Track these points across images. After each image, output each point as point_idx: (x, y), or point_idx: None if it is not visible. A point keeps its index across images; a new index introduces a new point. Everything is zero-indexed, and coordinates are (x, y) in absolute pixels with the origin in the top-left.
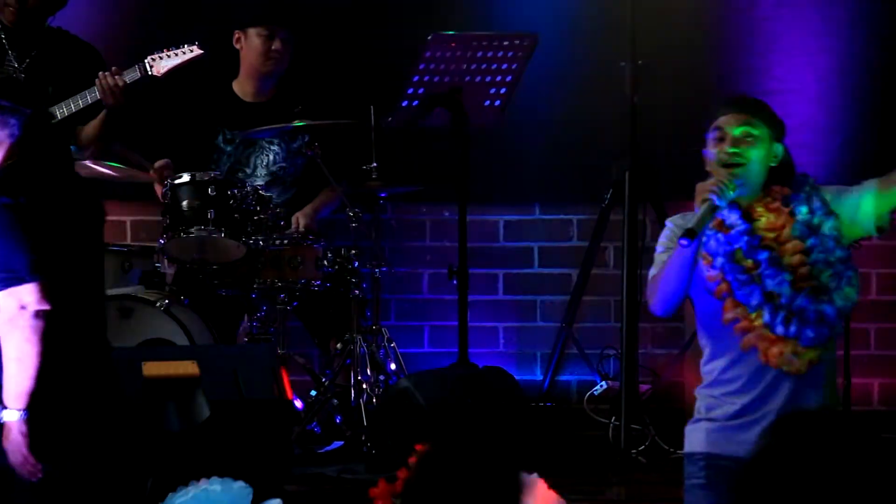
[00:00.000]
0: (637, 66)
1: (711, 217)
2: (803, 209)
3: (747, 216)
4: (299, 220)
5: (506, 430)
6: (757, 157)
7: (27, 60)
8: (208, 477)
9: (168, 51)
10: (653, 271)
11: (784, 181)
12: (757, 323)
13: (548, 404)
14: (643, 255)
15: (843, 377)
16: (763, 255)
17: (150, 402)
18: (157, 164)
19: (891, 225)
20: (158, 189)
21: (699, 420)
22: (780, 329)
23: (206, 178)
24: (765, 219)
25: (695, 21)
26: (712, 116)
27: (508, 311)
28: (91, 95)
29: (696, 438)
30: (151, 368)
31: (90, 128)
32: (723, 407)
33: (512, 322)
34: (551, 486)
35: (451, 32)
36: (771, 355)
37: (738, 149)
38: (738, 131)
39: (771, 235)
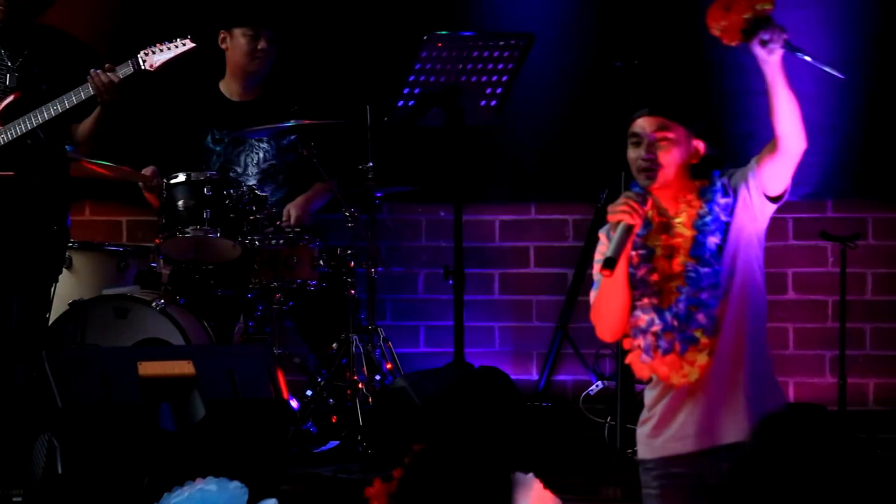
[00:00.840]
0: (632, 66)
1: (628, 239)
2: (713, 199)
3: (662, 215)
4: (290, 211)
5: (501, 429)
6: (673, 161)
7: (20, 59)
8: (204, 476)
9: (160, 45)
10: (593, 294)
11: (704, 173)
12: (632, 339)
13: (544, 404)
14: None
15: (838, 377)
16: (641, 280)
17: (147, 402)
18: (144, 171)
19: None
20: (149, 197)
21: (644, 422)
22: (660, 349)
23: (202, 178)
24: (685, 215)
25: (689, 21)
26: (629, 118)
27: (504, 311)
28: (84, 92)
29: (643, 444)
30: (147, 368)
31: (85, 125)
32: (655, 407)
33: (508, 322)
34: (547, 485)
35: (447, 32)
36: (662, 376)
37: (653, 154)
38: (652, 136)
39: (685, 232)
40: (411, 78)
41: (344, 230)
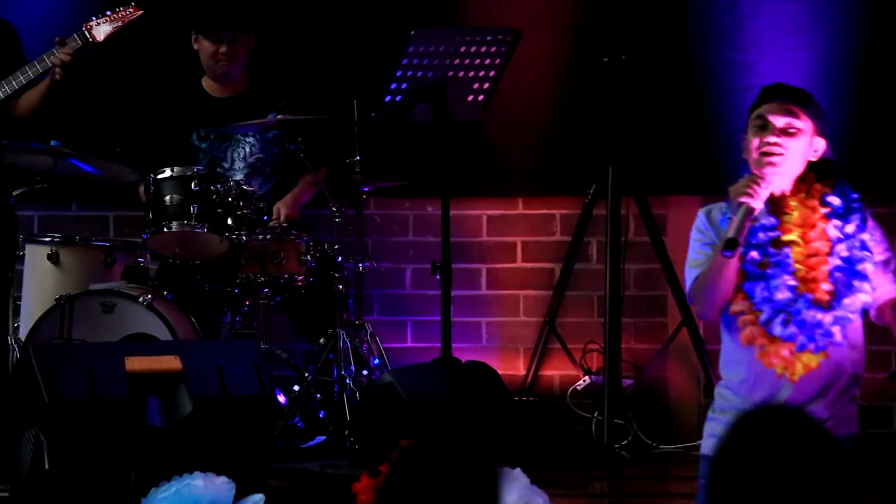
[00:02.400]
0: (620, 62)
1: (747, 220)
2: (840, 211)
3: (777, 208)
4: (280, 209)
5: (488, 425)
6: (797, 149)
7: None
8: (191, 472)
9: (104, 15)
10: (693, 272)
11: (822, 176)
12: (756, 319)
13: (531, 399)
14: (626, 250)
15: None
16: (774, 254)
17: (134, 398)
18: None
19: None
20: (142, 191)
21: (712, 419)
22: (776, 330)
23: (189, 173)
24: (797, 213)
25: (678, 16)
26: (756, 103)
27: (491, 306)
28: (33, 71)
29: (707, 439)
30: (134, 364)
31: (29, 100)
32: (728, 402)
33: (495, 317)
34: (534, 480)
35: (434, 27)
36: (766, 354)
37: (779, 139)
38: (781, 121)
39: (797, 231)
40: (398, 73)
41: (331, 225)
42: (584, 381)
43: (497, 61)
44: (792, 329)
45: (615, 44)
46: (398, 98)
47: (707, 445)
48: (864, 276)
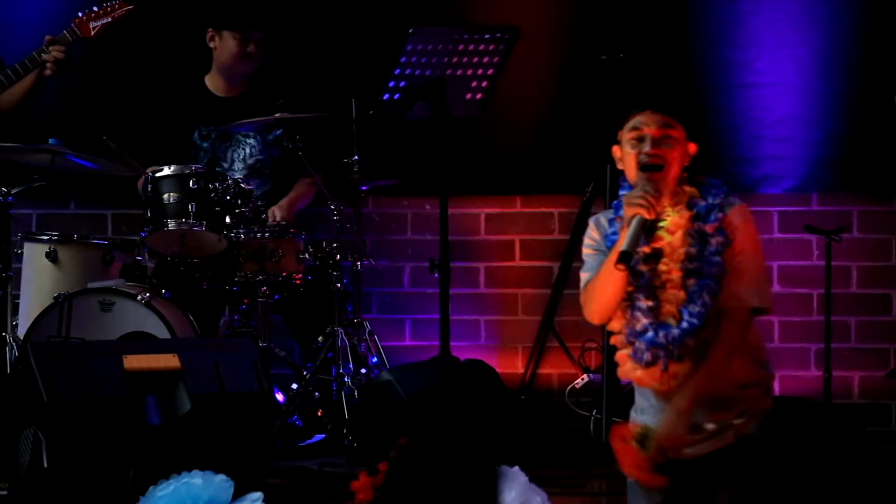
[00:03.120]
0: (618, 59)
1: (642, 233)
2: (702, 212)
3: (658, 215)
4: (275, 213)
5: (487, 423)
6: (674, 160)
7: None
8: (189, 470)
9: (93, 11)
10: (586, 276)
11: (693, 179)
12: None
13: (529, 397)
14: None
15: (824, 370)
16: (639, 275)
17: (132, 396)
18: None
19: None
20: (140, 184)
21: (633, 418)
22: (644, 359)
23: (188, 172)
24: (669, 219)
25: (676, 14)
26: (626, 114)
27: (490, 305)
28: (15, 73)
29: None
30: (133, 362)
31: (11, 95)
32: (641, 409)
33: (493, 315)
34: (532, 478)
35: (432, 26)
36: (641, 381)
37: (658, 151)
38: (657, 133)
39: (668, 238)
40: (397, 71)
41: (329, 223)
42: (583, 379)
43: (495, 59)
44: (653, 354)
45: (613, 42)
46: (396, 96)
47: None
48: (711, 282)
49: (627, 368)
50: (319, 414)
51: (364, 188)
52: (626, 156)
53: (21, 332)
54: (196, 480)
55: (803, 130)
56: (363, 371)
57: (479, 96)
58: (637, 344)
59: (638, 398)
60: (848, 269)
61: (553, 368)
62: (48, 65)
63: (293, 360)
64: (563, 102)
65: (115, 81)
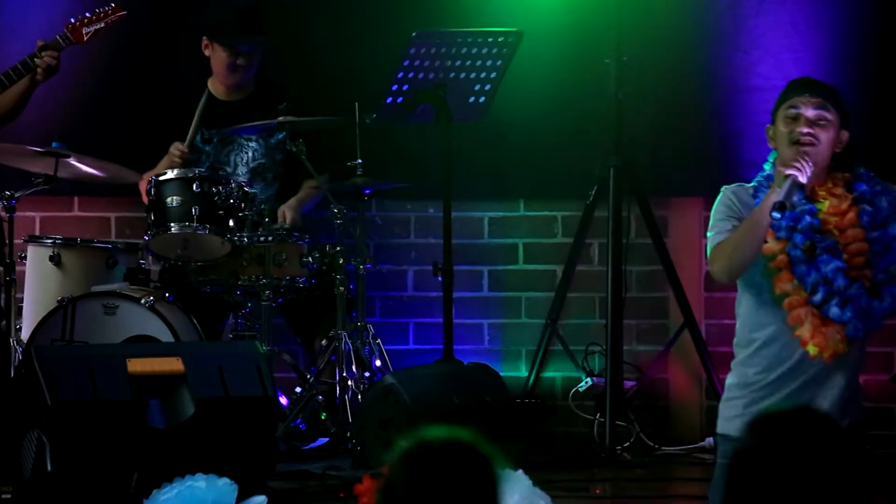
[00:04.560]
0: (621, 63)
1: (796, 191)
2: (868, 199)
3: (810, 198)
4: (286, 213)
5: (490, 426)
6: (827, 141)
7: None
8: (193, 473)
9: (86, 17)
10: (716, 238)
11: (846, 168)
12: (807, 300)
13: (532, 401)
14: (628, 252)
15: None
16: (822, 240)
17: (136, 399)
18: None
19: None
20: (142, 186)
21: (732, 399)
22: (834, 311)
23: (191, 175)
24: (827, 203)
25: (679, 18)
26: (785, 95)
27: (493, 308)
28: (15, 73)
29: (729, 419)
30: (136, 365)
31: (5, 99)
32: (755, 382)
33: (497, 319)
34: (536, 482)
35: (435, 30)
36: (815, 335)
37: (811, 130)
38: (812, 113)
39: (833, 220)
40: (400, 75)
41: (333, 227)
42: (586, 382)
43: (498, 63)
44: (848, 313)
45: (616, 45)
46: (399, 100)
47: (723, 425)
48: None
49: (800, 315)
50: (323, 418)
51: (367, 191)
52: (778, 134)
53: (25, 336)
54: (200, 484)
55: None
56: (367, 374)
57: (482, 100)
58: (834, 297)
59: (736, 378)
60: None
61: (556, 372)
62: (39, 71)
63: (297, 363)
64: (566, 106)
65: (119, 84)
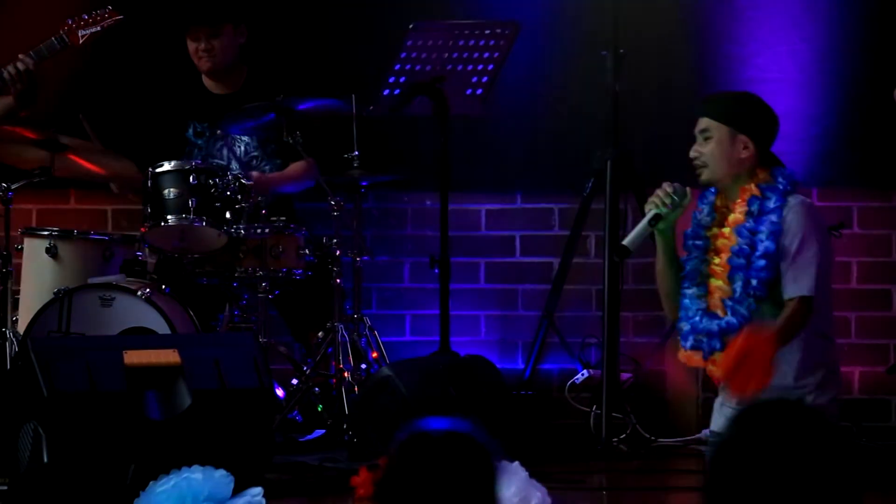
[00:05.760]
0: (619, 55)
1: (651, 228)
2: (754, 217)
3: (721, 211)
4: (253, 174)
5: (487, 418)
6: (714, 154)
7: None
8: (190, 465)
9: (82, 19)
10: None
11: (765, 172)
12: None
13: (529, 393)
14: None
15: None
16: (689, 260)
17: (132, 391)
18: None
19: None
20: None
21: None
22: (682, 343)
23: (188, 167)
24: (732, 216)
25: (676, 10)
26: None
27: (490, 300)
28: None
29: (714, 416)
30: (133, 357)
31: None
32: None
33: (493, 311)
34: (532, 474)
35: (432, 21)
36: (692, 364)
37: (697, 151)
38: (697, 132)
39: (727, 232)
40: (397, 66)
41: (329, 219)
42: (583, 374)
43: (496, 55)
44: (696, 340)
45: (613, 37)
46: (396, 91)
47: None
48: (756, 283)
49: (680, 353)
50: (319, 409)
51: (364, 183)
52: None
53: (21, 328)
54: (196, 476)
55: (803, 126)
56: (363, 366)
57: (479, 92)
58: (684, 329)
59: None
60: (848, 265)
61: (553, 364)
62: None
63: (293, 355)
64: (563, 98)
65: (113, 78)
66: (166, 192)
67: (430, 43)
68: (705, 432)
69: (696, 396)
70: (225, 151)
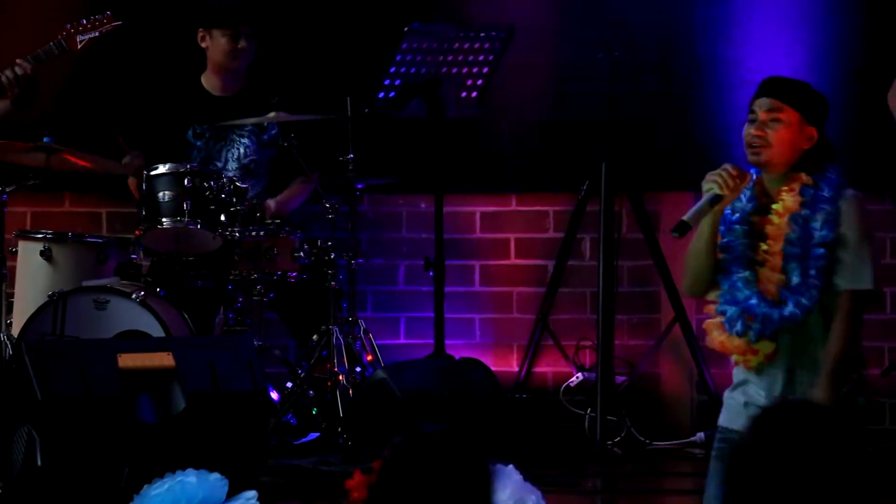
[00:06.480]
0: (613, 58)
1: (711, 208)
2: (809, 207)
3: (768, 198)
4: (270, 204)
5: (481, 421)
6: (781, 140)
7: None
8: (184, 468)
9: (81, 24)
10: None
11: (818, 162)
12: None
13: (524, 395)
14: (619, 247)
15: None
16: (735, 247)
17: (127, 394)
18: (125, 159)
19: None
20: (132, 183)
21: (727, 391)
22: (727, 323)
23: (183, 170)
24: (782, 203)
25: (671, 12)
26: (752, 98)
27: (485, 303)
28: None
29: (721, 411)
30: (127, 360)
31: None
32: (737, 379)
33: (488, 313)
34: (527, 477)
35: (427, 24)
36: (722, 345)
37: (762, 132)
38: (765, 114)
39: (779, 220)
40: (392, 69)
41: (324, 221)
42: (577, 377)
43: (490, 58)
44: (739, 326)
45: (608, 40)
46: (392, 94)
47: (723, 417)
48: (815, 273)
49: (714, 335)
50: (314, 412)
51: (359, 186)
52: (744, 135)
53: (15, 331)
54: (191, 479)
55: None
56: (358, 369)
57: (474, 94)
58: (731, 312)
59: (736, 374)
60: None
61: (548, 367)
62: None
63: (288, 358)
64: (558, 100)
65: (112, 80)
66: (161, 194)
67: (426, 46)
68: (700, 435)
69: (691, 398)
70: (224, 153)
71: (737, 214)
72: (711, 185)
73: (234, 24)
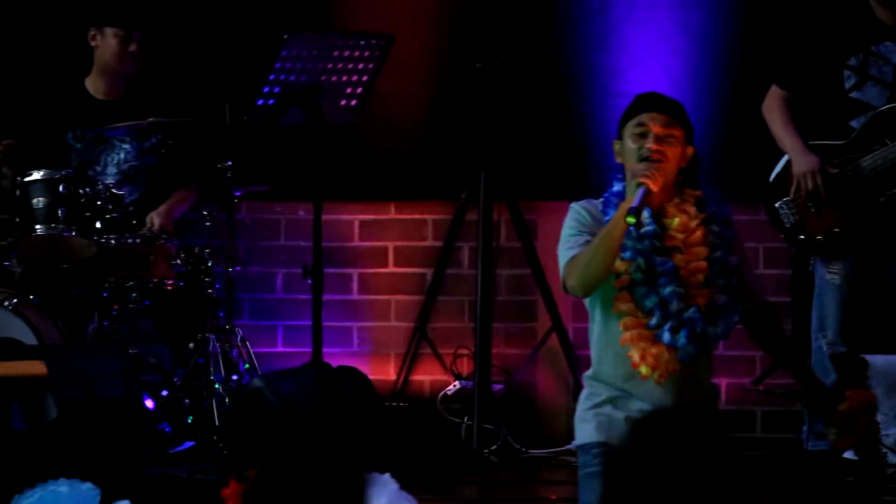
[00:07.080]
0: (492, 67)
1: (645, 202)
2: (718, 220)
3: (658, 215)
4: (154, 219)
5: (358, 429)
6: (674, 157)
7: None
8: (56, 478)
9: None
10: (569, 252)
11: (690, 183)
12: (643, 322)
13: (401, 404)
14: (497, 256)
15: None
16: (662, 262)
17: None
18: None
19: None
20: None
21: (587, 409)
22: (666, 336)
23: (58, 176)
24: (677, 220)
25: (551, 21)
26: (632, 111)
27: (363, 311)
28: None
29: (585, 429)
30: None
31: None
32: (603, 395)
33: (366, 322)
34: (403, 485)
35: (307, 32)
36: (645, 357)
37: (660, 147)
38: (661, 130)
39: (680, 237)
40: (271, 76)
41: (202, 229)
42: (455, 386)
43: (370, 66)
44: (681, 339)
45: (487, 49)
46: (271, 101)
47: (581, 436)
48: (736, 284)
49: (633, 336)
50: (189, 421)
51: (237, 193)
52: (627, 150)
53: None
54: (62, 489)
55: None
56: (234, 377)
57: (353, 103)
58: (669, 322)
59: (598, 390)
60: None
61: (425, 375)
62: None
63: (163, 365)
64: (437, 109)
65: None
66: (35, 201)
67: (305, 53)
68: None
69: (567, 407)
70: (103, 158)
71: (646, 232)
72: (644, 179)
73: (128, 26)
